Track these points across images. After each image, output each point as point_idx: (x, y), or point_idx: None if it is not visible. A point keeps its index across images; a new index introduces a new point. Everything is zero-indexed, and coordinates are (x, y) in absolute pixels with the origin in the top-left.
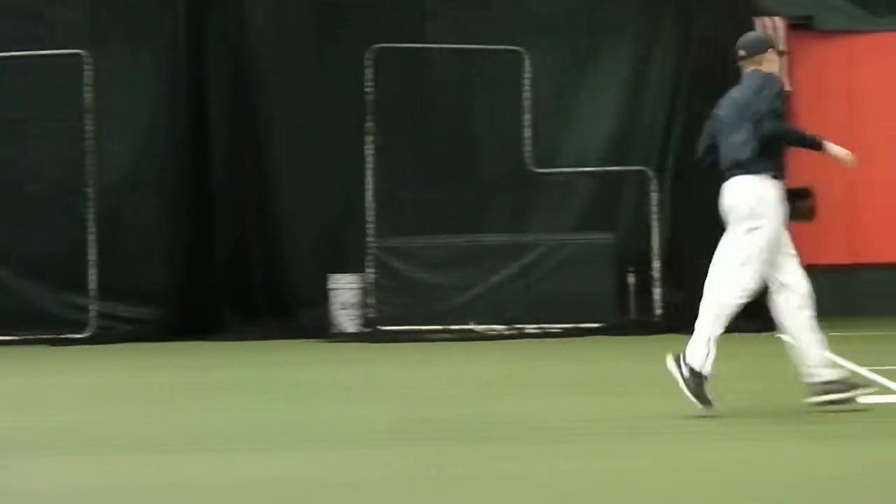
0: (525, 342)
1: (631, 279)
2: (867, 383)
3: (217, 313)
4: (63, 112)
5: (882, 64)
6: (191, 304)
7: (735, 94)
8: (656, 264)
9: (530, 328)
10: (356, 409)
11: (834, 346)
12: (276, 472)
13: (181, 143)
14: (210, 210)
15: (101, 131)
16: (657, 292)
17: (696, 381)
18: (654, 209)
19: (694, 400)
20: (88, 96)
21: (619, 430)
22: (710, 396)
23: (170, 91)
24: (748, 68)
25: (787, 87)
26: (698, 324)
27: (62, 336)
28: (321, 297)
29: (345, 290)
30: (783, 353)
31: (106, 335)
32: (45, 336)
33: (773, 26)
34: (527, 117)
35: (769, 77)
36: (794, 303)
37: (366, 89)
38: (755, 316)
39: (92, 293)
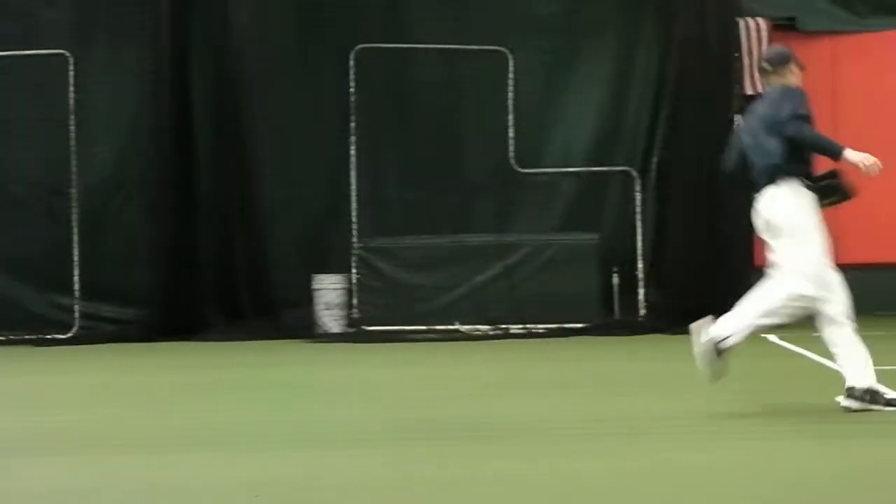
0: (510, 342)
1: (615, 279)
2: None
3: (201, 313)
4: (47, 112)
5: (865, 65)
6: (175, 305)
7: (760, 108)
8: (641, 264)
9: (515, 328)
10: (347, 409)
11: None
12: (274, 472)
13: (165, 144)
14: (194, 210)
15: (84, 131)
16: (642, 293)
17: (712, 349)
18: (639, 209)
19: (701, 362)
20: (72, 97)
21: (616, 430)
22: (718, 368)
23: (153, 91)
24: (772, 83)
25: None
26: (743, 306)
27: (46, 336)
28: (305, 298)
29: (329, 290)
30: (780, 353)
31: (90, 335)
32: (29, 336)
33: (756, 27)
34: (511, 118)
35: (790, 89)
36: None
37: (350, 89)
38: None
39: (76, 293)
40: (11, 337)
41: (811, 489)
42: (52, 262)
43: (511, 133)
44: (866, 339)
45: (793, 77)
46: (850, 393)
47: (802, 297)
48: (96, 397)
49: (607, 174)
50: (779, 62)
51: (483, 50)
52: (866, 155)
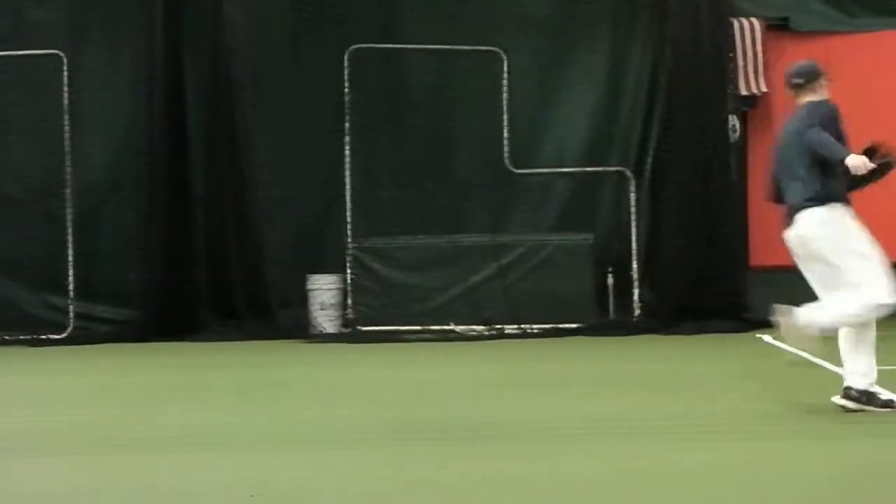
0: (505, 342)
1: (610, 279)
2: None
3: (196, 314)
4: (41, 112)
5: (858, 65)
6: (170, 305)
7: (790, 126)
8: (635, 265)
9: (510, 329)
10: (343, 409)
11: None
12: (270, 472)
13: (159, 144)
14: (189, 210)
15: (79, 132)
16: (636, 293)
17: (795, 325)
18: (633, 209)
19: (785, 331)
20: (66, 97)
21: (614, 430)
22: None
23: (148, 91)
24: (802, 99)
25: (764, 89)
26: (832, 302)
27: (41, 337)
28: (300, 298)
29: (323, 290)
30: (778, 353)
31: (85, 336)
32: (24, 336)
33: (749, 28)
34: (505, 118)
35: (817, 104)
36: None
37: (344, 90)
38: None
39: (71, 294)
40: (6, 337)
41: (811, 489)
42: (46, 263)
43: (505, 133)
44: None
45: (824, 90)
46: (847, 393)
47: (881, 306)
48: (92, 398)
49: (602, 174)
50: (812, 77)
51: (477, 50)
52: (864, 161)
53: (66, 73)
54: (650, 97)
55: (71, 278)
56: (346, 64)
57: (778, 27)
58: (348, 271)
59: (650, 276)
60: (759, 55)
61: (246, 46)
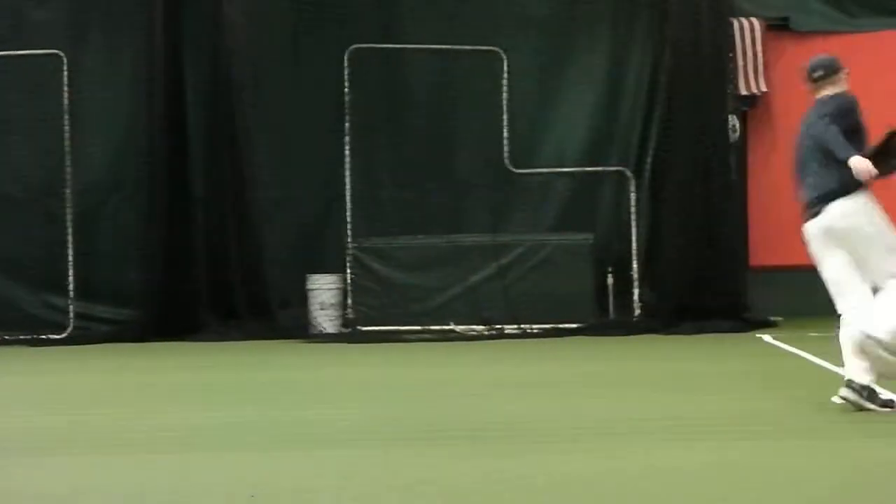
0: (505, 342)
1: (610, 279)
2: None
3: (196, 314)
4: (41, 112)
5: (858, 65)
6: (169, 305)
7: (807, 120)
8: (635, 264)
9: (510, 328)
10: (343, 409)
11: (824, 345)
12: (270, 472)
13: (159, 144)
14: (188, 210)
15: (79, 132)
16: (636, 292)
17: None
18: (633, 209)
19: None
20: (66, 97)
21: (614, 430)
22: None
23: (148, 91)
24: (821, 93)
25: (764, 88)
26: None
27: (41, 336)
28: (300, 298)
29: (323, 290)
30: (777, 353)
31: (85, 336)
32: (24, 336)
33: (749, 27)
34: (505, 118)
35: (837, 96)
36: None
37: (344, 89)
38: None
39: (70, 294)
40: (6, 337)
41: (811, 489)
42: (46, 263)
43: (505, 133)
44: None
45: (843, 84)
46: (850, 384)
47: None
48: (91, 398)
49: (601, 174)
50: (832, 71)
51: (477, 50)
52: (867, 168)
53: (66, 73)
54: (650, 97)
55: (71, 278)
56: (346, 64)
57: (778, 27)
58: (348, 271)
59: (650, 276)
60: (759, 55)
61: (246, 46)
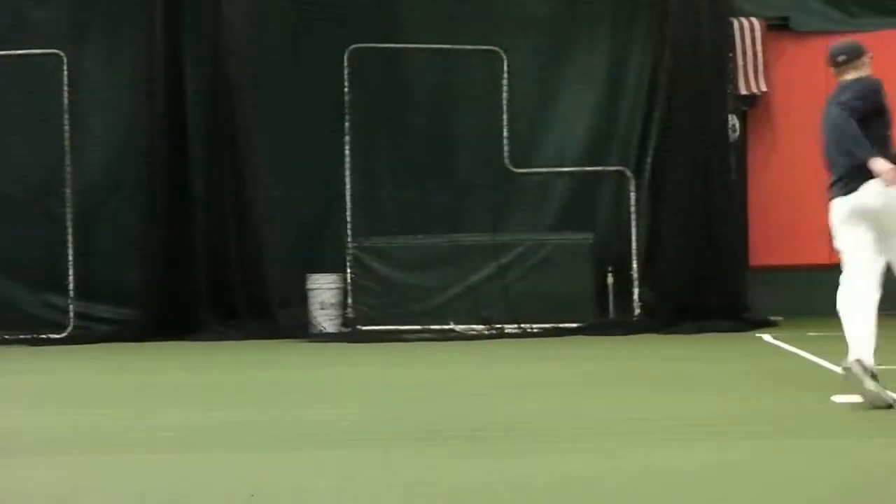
0: (505, 342)
1: (610, 279)
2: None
3: (196, 313)
4: (41, 112)
5: None
6: (169, 305)
7: (830, 102)
8: (635, 264)
9: (510, 328)
10: (343, 409)
11: (824, 344)
12: (270, 472)
13: (159, 143)
14: (188, 210)
15: (78, 131)
16: (636, 292)
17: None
18: (633, 209)
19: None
20: (66, 96)
21: (614, 430)
22: None
23: (148, 91)
24: (844, 77)
25: (764, 88)
26: None
27: (41, 336)
28: (300, 298)
29: (324, 290)
30: (776, 353)
31: (85, 335)
32: (24, 336)
33: (749, 27)
34: (505, 117)
35: (861, 80)
36: None
37: (344, 89)
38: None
39: (70, 293)
40: (6, 337)
41: (811, 489)
42: (46, 263)
43: (505, 133)
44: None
45: (867, 68)
46: (860, 361)
47: None
48: (91, 397)
49: (601, 174)
50: (856, 55)
51: (477, 50)
52: (888, 170)
53: (66, 73)
54: (650, 97)
55: (71, 278)
56: (346, 64)
57: (778, 27)
58: (348, 271)
59: (650, 275)
60: (759, 55)
61: (246, 46)
